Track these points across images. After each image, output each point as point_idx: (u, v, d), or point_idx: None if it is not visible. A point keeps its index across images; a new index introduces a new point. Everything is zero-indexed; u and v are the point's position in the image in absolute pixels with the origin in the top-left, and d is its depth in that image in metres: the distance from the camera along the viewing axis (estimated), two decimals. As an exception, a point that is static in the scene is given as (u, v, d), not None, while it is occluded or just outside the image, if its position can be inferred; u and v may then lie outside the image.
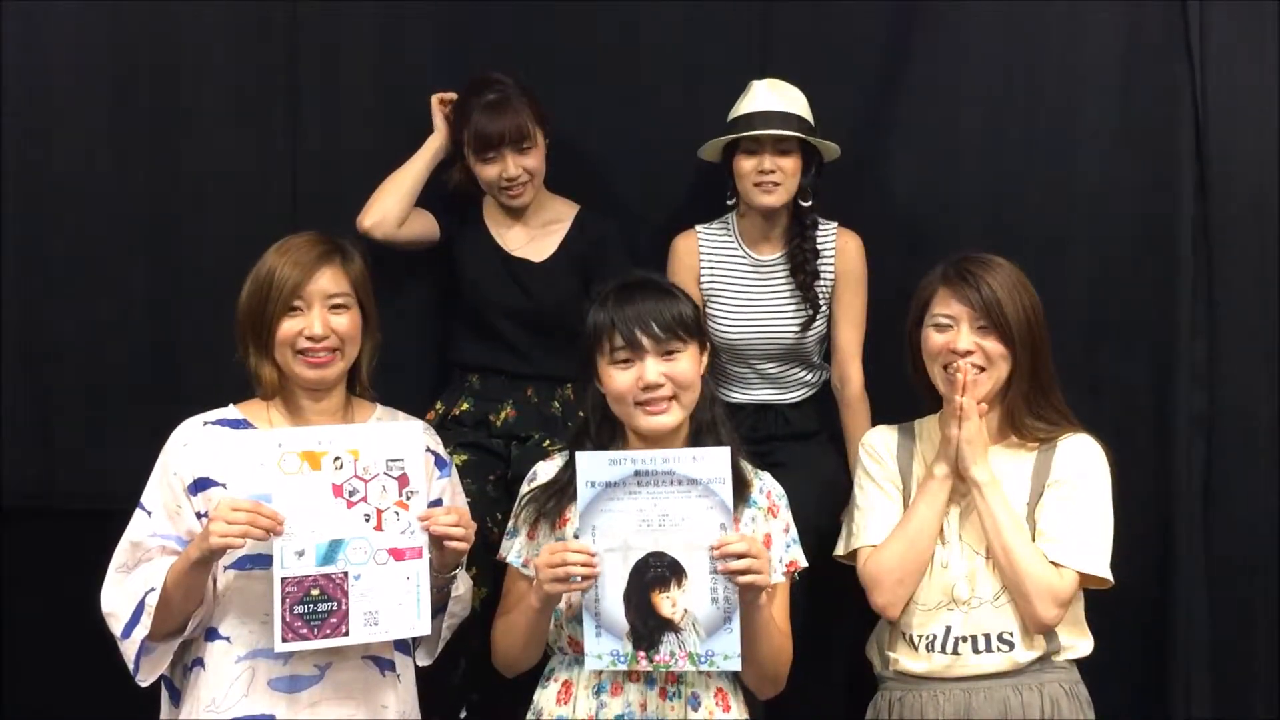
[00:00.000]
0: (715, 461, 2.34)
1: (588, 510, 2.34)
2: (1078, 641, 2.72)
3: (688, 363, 2.46)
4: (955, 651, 2.66)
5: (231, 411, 2.57)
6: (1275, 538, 3.29)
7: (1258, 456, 3.30)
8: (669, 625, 2.33)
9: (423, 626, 2.43)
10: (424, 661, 2.62)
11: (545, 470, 2.59)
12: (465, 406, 3.24)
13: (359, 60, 3.42)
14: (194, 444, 2.52)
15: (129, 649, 2.42)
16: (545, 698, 2.53)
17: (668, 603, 2.32)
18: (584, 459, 2.36)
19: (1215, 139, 3.29)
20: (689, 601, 2.32)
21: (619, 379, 2.44)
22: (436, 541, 2.43)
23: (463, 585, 2.60)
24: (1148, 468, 3.30)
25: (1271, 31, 3.28)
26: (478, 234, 3.30)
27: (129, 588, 2.44)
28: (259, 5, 3.37)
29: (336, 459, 2.38)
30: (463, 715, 3.15)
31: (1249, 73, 3.30)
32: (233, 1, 3.36)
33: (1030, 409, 2.71)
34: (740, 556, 2.30)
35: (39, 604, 3.28)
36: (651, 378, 2.42)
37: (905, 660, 2.70)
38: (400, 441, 2.43)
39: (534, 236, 3.29)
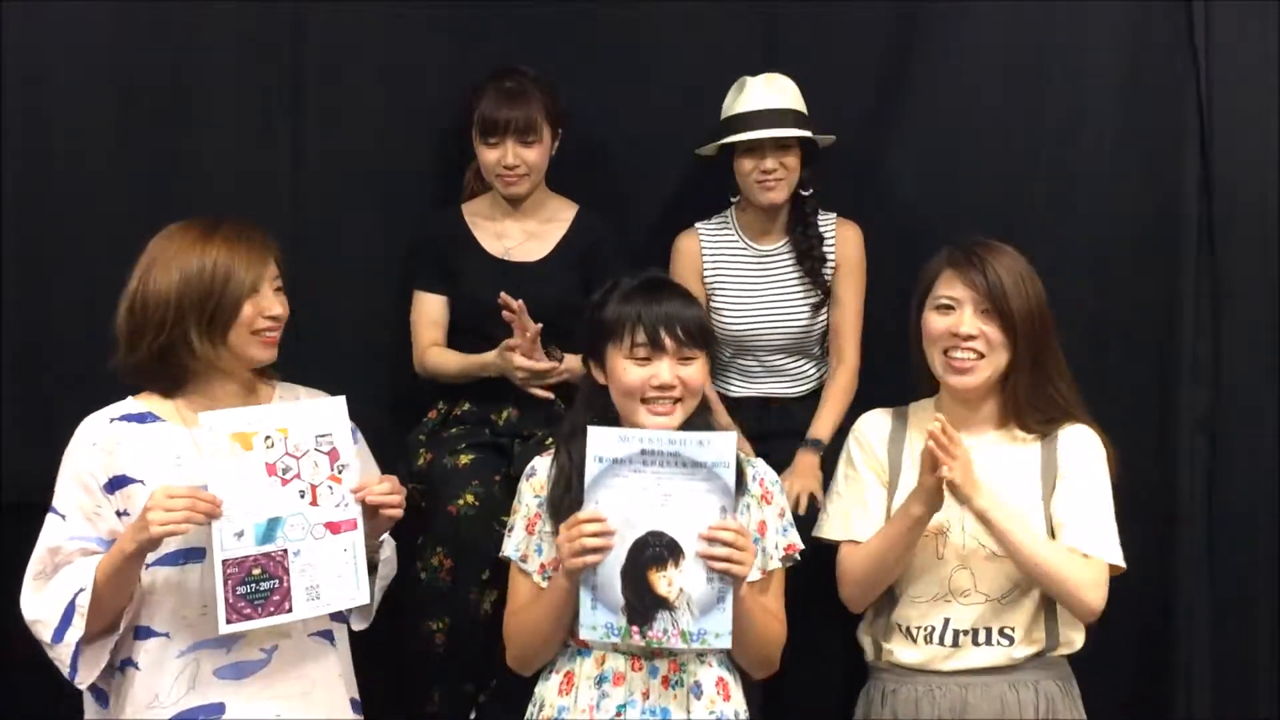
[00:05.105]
0: (721, 446, 2.35)
1: (593, 484, 2.35)
2: (1075, 636, 2.71)
3: (699, 370, 2.49)
4: (955, 644, 2.65)
5: (134, 404, 2.54)
6: (1278, 537, 3.29)
7: (1261, 456, 3.30)
8: (664, 604, 2.33)
9: (362, 595, 2.45)
10: (359, 626, 2.63)
11: (543, 465, 2.58)
12: (466, 406, 3.24)
13: (362, 61, 3.43)
14: (103, 442, 2.48)
15: (63, 653, 2.39)
16: (547, 689, 2.52)
17: (664, 581, 2.33)
18: (595, 433, 2.36)
19: (1219, 138, 3.29)
20: (685, 581, 2.32)
21: (634, 374, 2.45)
22: (370, 511, 2.45)
23: (388, 548, 2.64)
24: (1151, 467, 3.29)
25: (1275, 31, 3.29)
26: (466, 243, 3.30)
27: (54, 592, 2.40)
28: (262, 6, 3.39)
29: (267, 438, 2.37)
30: (471, 717, 3.15)
31: (1253, 72, 3.30)
32: (237, 2, 3.37)
33: (1030, 398, 2.68)
34: (725, 545, 2.31)
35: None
36: (666, 378, 2.44)
37: (900, 652, 2.69)
38: (327, 417, 2.44)
39: (531, 234, 3.30)
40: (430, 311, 3.30)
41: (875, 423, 2.82)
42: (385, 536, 2.60)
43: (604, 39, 3.46)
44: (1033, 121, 3.39)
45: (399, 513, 2.48)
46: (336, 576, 2.41)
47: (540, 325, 3.02)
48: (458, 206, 3.36)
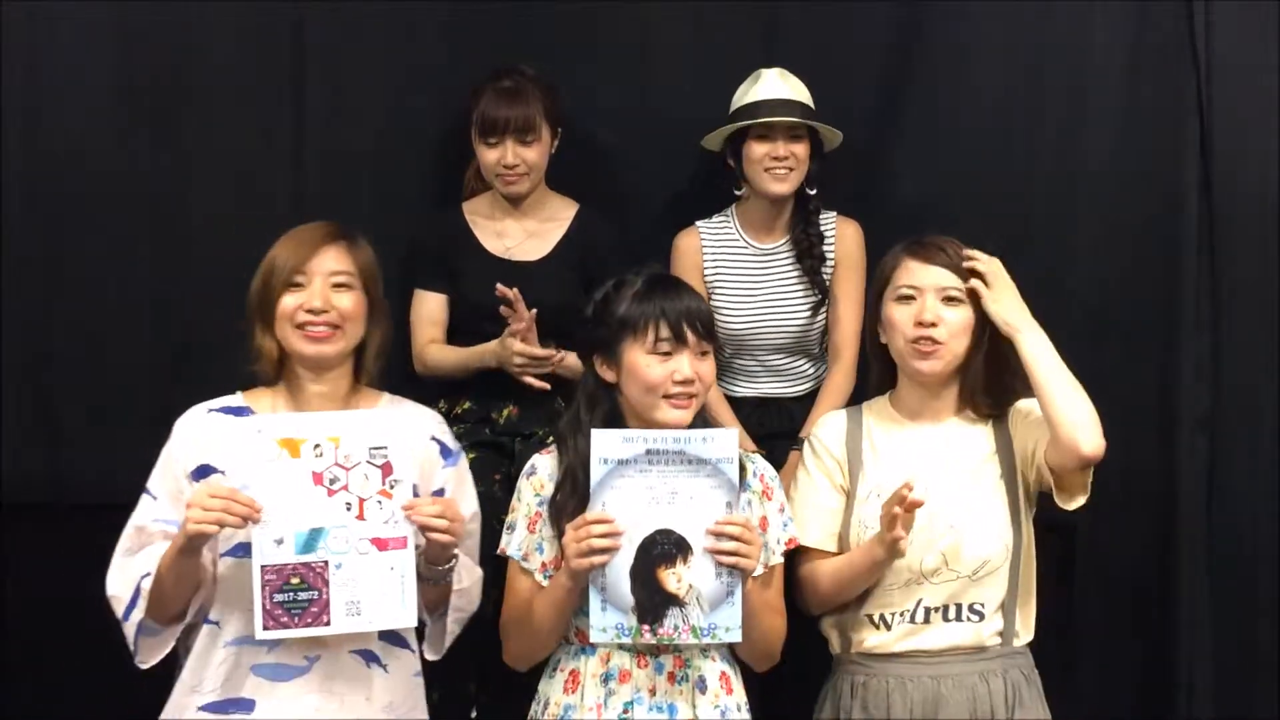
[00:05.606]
0: (724, 442, 2.37)
1: (599, 486, 2.36)
2: (1029, 625, 2.71)
3: (712, 365, 2.51)
4: (926, 620, 2.65)
5: (236, 399, 2.58)
6: (1278, 537, 3.29)
7: (1261, 456, 3.30)
8: (674, 600, 2.34)
9: (408, 617, 2.40)
10: (432, 656, 2.60)
11: (543, 464, 2.58)
12: (467, 405, 3.24)
13: (362, 61, 3.42)
14: (196, 431, 2.53)
15: (128, 631, 2.45)
16: (552, 688, 2.52)
17: (673, 578, 2.34)
18: (599, 436, 2.37)
19: (1220, 137, 3.30)
20: (694, 577, 2.34)
21: (656, 370, 2.45)
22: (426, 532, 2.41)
23: (467, 578, 2.57)
24: (1151, 465, 3.30)
25: (1275, 31, 3.30)
26: (467, 243, 3.29)
27: (130, 571, 2.45)
28: (262, 6, 3.38)
29: (316, 446, 2.35)
30: (473, 716, 3.15)
31: (1253, 72, 3.31)
32: (237, 2, 3.36)
33: (986, 386, 2.70)
34: (733, 539, 2.33)
35: (42, 600, 3.26)
36: (687, 372, 2.44)
37: (871, 639, 2.68)
38: (384, 429, 2.40)
39: (532, 233, 3.30)
40: (430, 310, 3.29)
41: (830, 424, 2.83)
42: (463, 562, 2.55)
43: (604, 39, 3.45)
44: (1033, 121, 3.40)
45: (447, 538, 2.40)
46: (381, 594, 2.36)
47: (535, 311, 3.01)
48: (458, 206, 3.35)
